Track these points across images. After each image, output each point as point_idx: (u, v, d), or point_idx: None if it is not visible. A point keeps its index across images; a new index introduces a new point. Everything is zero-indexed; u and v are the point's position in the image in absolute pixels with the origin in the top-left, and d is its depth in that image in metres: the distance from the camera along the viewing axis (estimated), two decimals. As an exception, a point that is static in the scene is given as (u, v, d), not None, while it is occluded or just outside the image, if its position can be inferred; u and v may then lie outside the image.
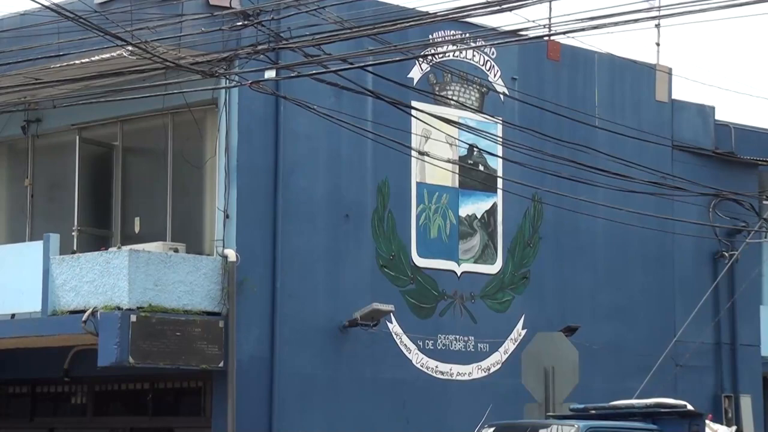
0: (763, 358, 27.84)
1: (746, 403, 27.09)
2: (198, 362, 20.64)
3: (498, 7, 16.59)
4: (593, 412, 18.63)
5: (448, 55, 23.15)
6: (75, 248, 22.72)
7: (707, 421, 18.50)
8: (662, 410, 18.36)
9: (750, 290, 27.47)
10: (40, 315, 21.19)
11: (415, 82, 22.96)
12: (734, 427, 18.45)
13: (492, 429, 18.31)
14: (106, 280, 20.44)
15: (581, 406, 18.99)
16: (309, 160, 21.99)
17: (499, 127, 23.53)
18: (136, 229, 22.78)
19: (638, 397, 23.76)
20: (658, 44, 26.50)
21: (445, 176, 23.41)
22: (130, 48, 19.08)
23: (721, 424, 26.37)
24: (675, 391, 25.59)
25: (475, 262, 23.83)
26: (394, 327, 22.70)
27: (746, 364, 27.42)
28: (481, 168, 23.82)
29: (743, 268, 27.04)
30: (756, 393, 27.55)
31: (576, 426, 17.58)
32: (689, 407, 18.38)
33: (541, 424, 18.15)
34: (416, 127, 22.63)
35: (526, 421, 18.60)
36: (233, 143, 21.26)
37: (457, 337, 23.46)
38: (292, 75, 19.71)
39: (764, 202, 27.37)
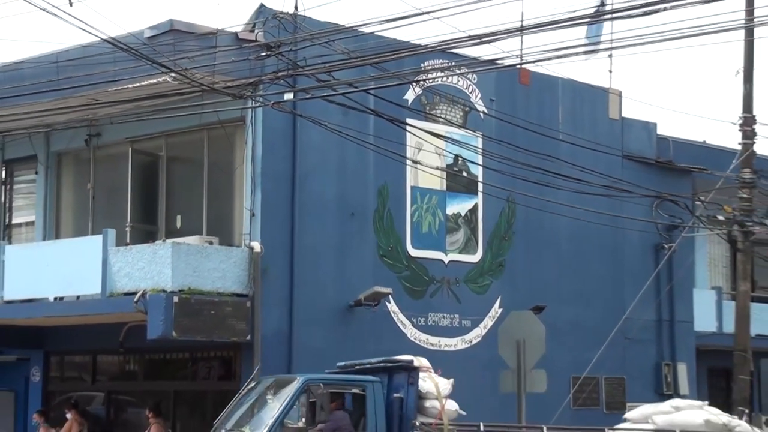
0: (696, 333, 27.63)
1: (682, 369, 26.99)
2: (229, 336, 20.32)
3: (478, 40, 16.52)
4: (357, 366, 17.85)
5: (437, 80, 22.98)
6: (128, 241, 22.51)
7: (434, 375, 17.56)
8: (389, 365, 17.55)
9: (685, 276, 27.32)
10: (99, 296, 20.86)
11: (409, 102, 22.71)
12: (452, 380, 17.59)
13: (253, 383, 17.80)
14: (153, 268, 20.13)
15: (344, 363, 18.23)
16: (321, 168, 21.70)
17: (480, 140, 23.36)
18: (178, 225, 22.56)
19: (595, 365, 23.64)
20: (610, 71, 26.48)
21: (435, 181, 23.14)
22: (173, 74, 18.91)
23: (664, 390, 26.14)
24: (624, 360, 25.47)
25: (459, 252, 23.54)
26: (392, 307, 22.41)
27: (682, 338, 27.21)
28: (464, 174, 23.59)
29: (679, 257, 26.84)
30: (690, 361, 27.35)
31: (298, 378, 16.89)
32: (421, 363, 17.58)
33: (285, 378, 17.31)
34: (410, 140, 22.40)
35: (275, 376, 17.97)
36: (258, 154, 20.96)
37: (445, 315, 23.20)
38: (307, 97, 19.54)
39: (696, 202, 27.13)
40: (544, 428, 17.82)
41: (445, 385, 17.52)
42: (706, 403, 19.42)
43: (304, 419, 16.26)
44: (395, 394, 17.16)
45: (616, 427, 19.18)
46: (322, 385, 16.59)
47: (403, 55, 19.36)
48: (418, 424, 16.88)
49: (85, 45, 20.41)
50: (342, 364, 18.31)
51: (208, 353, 22.22)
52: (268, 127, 20.99)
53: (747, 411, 22.33)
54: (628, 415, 19.00)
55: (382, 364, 17.66)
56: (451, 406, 17.40)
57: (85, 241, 22.07)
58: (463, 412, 17.59)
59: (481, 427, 17.31)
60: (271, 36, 20.13)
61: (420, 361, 17.66)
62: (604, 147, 24.79)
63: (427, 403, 17.22)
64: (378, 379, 17.31)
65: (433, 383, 17.32)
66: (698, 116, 60.70)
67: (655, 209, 26.40)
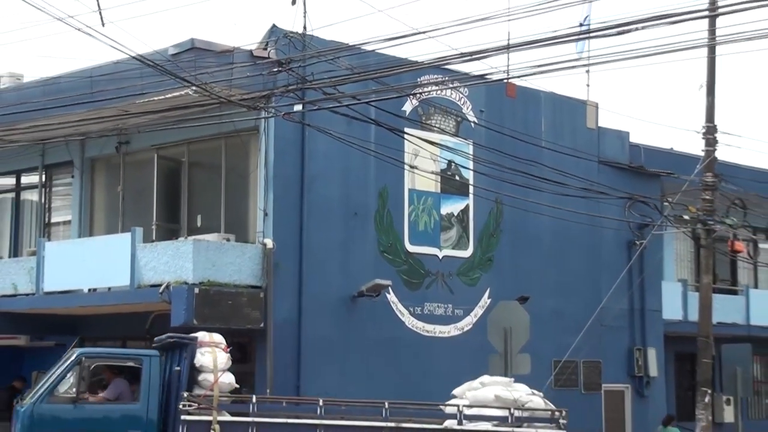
0: (664, 321, 27.43)
1: (652, 354, 26.84)
2: (244, 324, 20.15)
3: (469, 57, 16.35)
4: (172, 340, 17.18)
5: (432, 93, 22.81)
6: (154, 238, 22.35)
7: (217, 350, 16.97)
8: (174, 340, 16.99)
9: (654, 270, 27.07)
10: (128, 288, 20.72)
11: (407, 113, 22.52)
12: (228, 355, 17.08)
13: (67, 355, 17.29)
14: (176, 262, 19.98)
15: (158, 338, 17.50)
16: (327, 172, 21.51)
17: (471, 147, 23.19)
18: (199, 224, 22.39)
19: (574, 350, 23.46)
20: (588, 85, 26.44)
21: (430, 184, 22.95)
22: (194, 88, 18.76)
23: (635, 372, 25.92)
24: (600, 345, 25.28)
25: (452, 248, 23.38)
26: (392, 297, 22.22)
27: (652, 325, 27.00)
28: (456, 178, 23.41)
29: (650, 253, 26.62)
30: (659, 346, 27.14)
31: (75, 352, 16.74)
32: (212, 338, 17.08)
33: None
34: (408, 147, 22.17)
35: (79, 349, 17.46)
36: (270, 159, 20.78)
37: (439, 304, 23.02)
38: (314, 108, 19.46)
39: (665, 203, 26.96)
40: (320, 401, 17.19)
41: (223, 359, 16.98)
42: (512, 380, 18.81)
43: (75, 389, 16.31)
44: (176, 368, 16.78)
45: (447, 402, 18.39)
46: (84, 358, 16.52)
47: (402, 70, 19.28)
48: (185, 395, 16.45)
49: (116, 61, 20.24)
50: (157, 338, 17.59)
51: (225, 339, 22.03)
52: (280, 135, 20.82)
53: (710, 391, 22.21)
54: (455, 391, 18.45)
55: (173, 340, 17.07)
56: (226, 379, 16.86)
57: (115, 239, 21.92)
58: (237, 386, 17.13)
59: (254, 399, 16.94)
60: (282, 53, 20.03)
61: (212, 338, 17.15)
62: (582, 153, 24.76)
63: (201, 377, 16.73)
64: (155, 353, 16.95)
65: (212, 357, 16.84)
66: (666, 125, 60.76)
67: (628, 209, 26.26)
